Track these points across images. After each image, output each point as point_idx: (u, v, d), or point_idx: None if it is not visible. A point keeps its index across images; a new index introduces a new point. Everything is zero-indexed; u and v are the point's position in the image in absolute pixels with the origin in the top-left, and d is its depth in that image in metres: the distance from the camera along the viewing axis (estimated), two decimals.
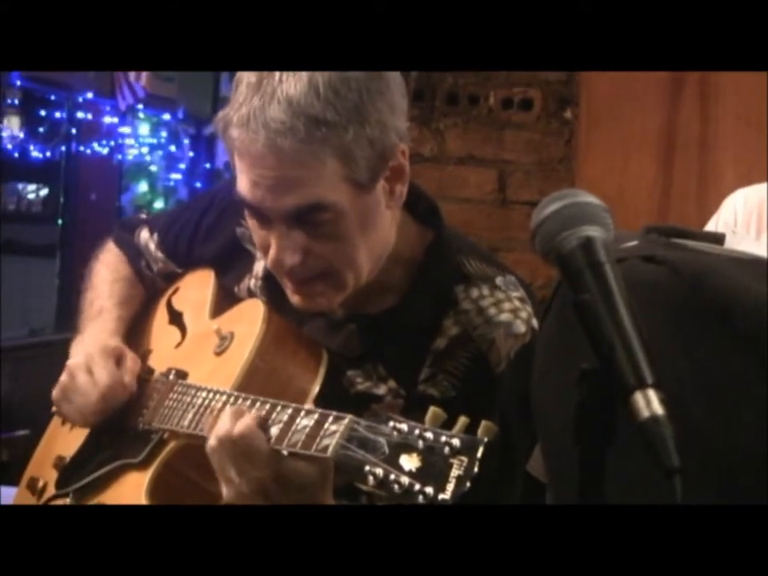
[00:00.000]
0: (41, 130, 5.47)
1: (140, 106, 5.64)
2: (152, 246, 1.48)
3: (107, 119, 5.47)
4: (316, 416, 1.05)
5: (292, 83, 1.12)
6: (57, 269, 5.57)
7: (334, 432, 1.01)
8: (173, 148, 6.32)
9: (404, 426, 0.97)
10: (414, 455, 0.95)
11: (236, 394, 1.16)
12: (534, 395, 1.00)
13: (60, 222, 5.63)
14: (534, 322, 1.22)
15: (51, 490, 1.40)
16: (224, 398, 1.17)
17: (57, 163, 5.58)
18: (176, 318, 1.42)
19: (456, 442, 0.95)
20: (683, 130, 2.46)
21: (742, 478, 0.84)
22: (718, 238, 0.98)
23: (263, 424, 1.09)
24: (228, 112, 1.15)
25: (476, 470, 0.94)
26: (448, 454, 0.94)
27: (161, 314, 1.46)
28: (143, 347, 1.44)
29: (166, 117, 6.08)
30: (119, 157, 5.85)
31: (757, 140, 2.36)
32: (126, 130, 5.76)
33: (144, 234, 1.49)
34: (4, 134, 5.17)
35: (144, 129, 6.20)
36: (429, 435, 0.96)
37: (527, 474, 1.12)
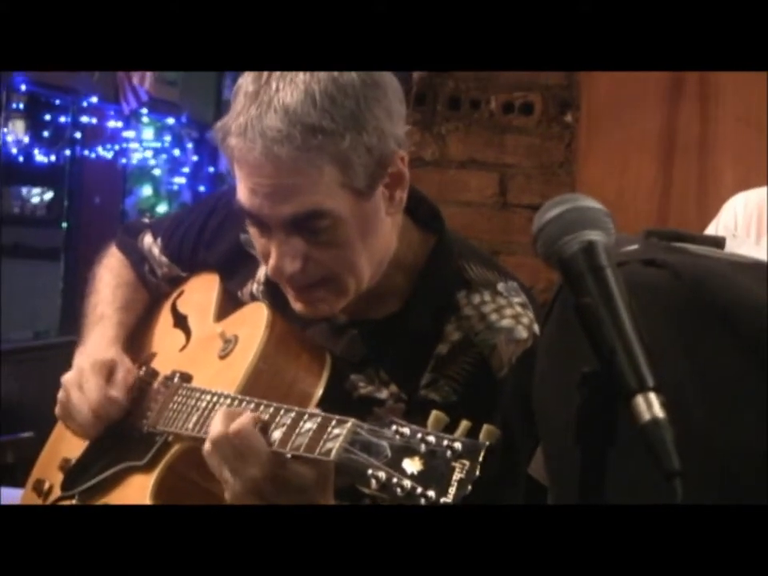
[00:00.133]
0: (45, 134, 5.48)
1: (144, 111, 5.65)
2: (156, 251, 1.48)
3: (111, 123, 5.48)
4: (319, 419, 1.06)
5: (288, 92, 1.13)
6: (61, 272, 5.58)
7: (337, 435, 1.02)
8: (176, 152, 6.33)
9: (406, 430, 0.98)
10: (417, 459, 0.96)
11: (240, 397, 1.17)
12: (536, 398, 1.00)
13: (64, 225, 5.64)
14: (536, 328, 1.22)
15: (57, 492, 1.40)
16: (228, 401, 1.18)
17: (61, 167, 5.59)
18: (180, 322, 1.43)
19: (458, 445, 0.95)
20: (683, 132, 2.46)
21: (743, 478, 0.84)
22: (719, 242, 0.99)
23: (257, 422, 1.10)
24: (226, 121, 1.16)
25: (478, 473, 0.94)
26: (450, 457, 0.95)
27: (165, 318, 1.46)
28: (148, 350, 1.45)
29: (170, 121, 6.09)
30: (123, 161, 5.85)
31: (756, 141, 2.36)
32: (130, 134, 5.77)
33: (147, 239, 1.49)
34: (9, 138, 5.18)
35: (148, 133, 6.21)
36: (431, 439, 0.96)
37: (528, 476, 1.13)
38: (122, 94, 5.18)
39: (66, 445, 1.43)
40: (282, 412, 1.10)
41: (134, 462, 1.27)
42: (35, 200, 6.41)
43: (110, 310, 1.45)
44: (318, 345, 1.26)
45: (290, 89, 1.13)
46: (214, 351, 1.30)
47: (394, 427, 0.98)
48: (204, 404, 1.22)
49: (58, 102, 5.42)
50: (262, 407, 1.12)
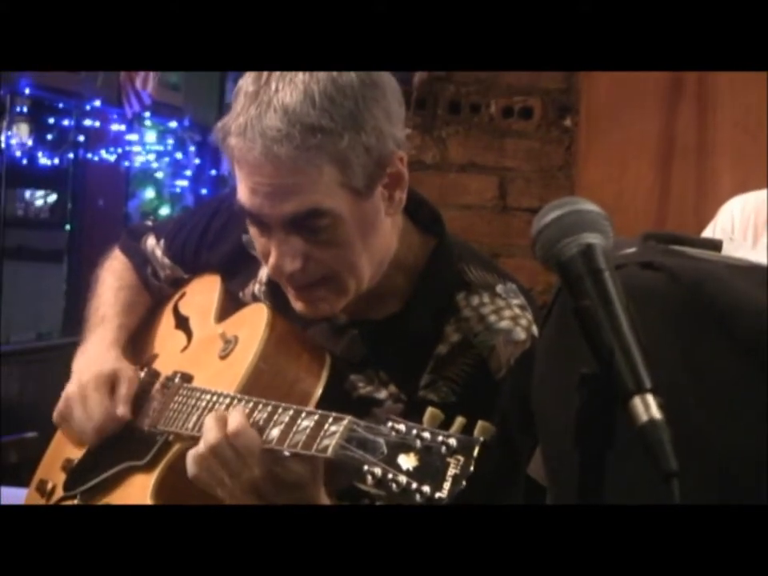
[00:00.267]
0: (49, 137, 5.50)
1: (147, 114, 5.67)
2: (159, 253, 1.49)
3: (114, 127, 5.50)
4: (316, 417, 1.06)
5: (288, 92, 1.13)
6: (64, 274, 5.60)
7: (334, 432, 1.02)
8: (179, 155, 6.34)
9: (402, 427, 0.98)
10: (412, 455, 0.96)
11: (239, 396, 1.17)
12: (535, 399, 1.00)
13: (68, 227, 5.66)
14: (534, 329, 1.22)
15: (60, 492, 1.41)
16: (228, 400, 1.18)
17: (65, 170, 5.60)
18: (182, 323, 1.44)
19: (453, 441, 0.96)
20: (681, 137, 2.47)
21: (741, 480, 0.85)
22: (716, 245, 0.99)
23: (251, 420, 1.10)
24: (227, 121, 1.17)
25: (472, 468, 0.95)
26: (445, 453, 0.95)
27: (168, 319, 1.47)
28: (150, 351, 1.46)
29: (173, 124, 6.11)
30: (126, 164, 5.87)
31: (754, 146, 2.37)
32: (132, 137, 5.79)
33: (150, 241, 1.50)
34: (13, 142, 5.19)
35: (151, 136, 6.23)
36: (426, 435, 0.97)
37: (527, 476, 1.14)
38: (125, 97, 5.20)
39: (69, 445, 1.44)
40: (279, 410, 1.11)
41: (135, 461, 1.28)
42: (39, 202, 6.42)
43: (111, 313, 1.46)
44: (318, 345, 1.27)
45: (290, 89, 1.13)
46: (214, 352, 1.30)
47: (389, 424, 0.99)
48: (204, 404, 1.22)
49: (61, 105, 5.44)
50: (260, 406, 1.13)
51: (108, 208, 5.79)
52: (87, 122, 5.37)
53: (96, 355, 1.40)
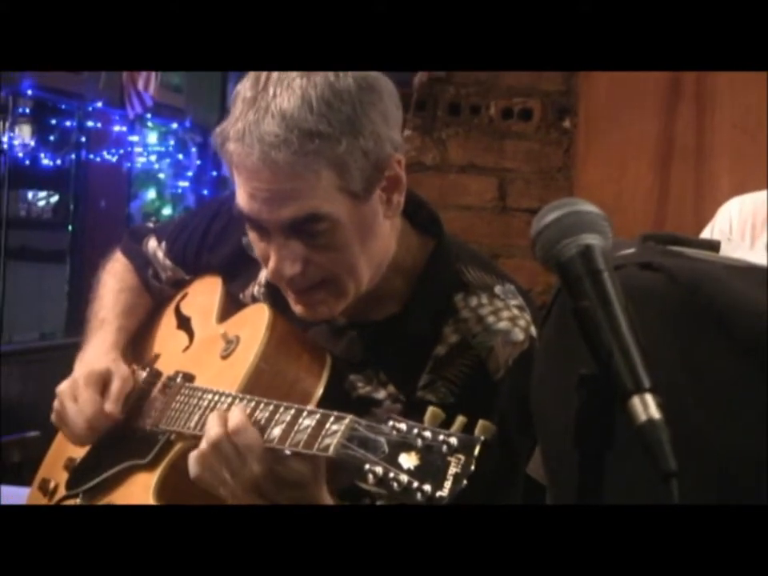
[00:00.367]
0: (51, 138, 5.51)
1: (148, 115, 5.68)
2: (160, 255, 1.50)
3: (116, 128, 5.51)
4: (318, 416, 1.06)
5: (285, 97, 1.13)
6: (67, 274, 5.61)
7: (336, 432, 1.02)
8: (180, 156, 6.36)
9: (403, 426, 0.99)
10: (413, 454, 0.96)
11: (241, 395, 1.18)
12: (534, 400, 1.00)
13: (70, 228, 5.67)
14: (533, 330, 1.23)
15: (62, 491, 1.42)
16: (229, 399, 1.19)
17: (67, 171, 5.62)
18: (184, 323, 1.44)
19: (454, 440, 0.96)
20: (680, 139, 2.47)
21: (740, 480, 0.84)
22: (714, 246, 0.99)
23: (253, 419, 1.11)
24: (225, 126, 1.17)
25: (473, 467, 0.95)
26: (446, 452, 0.96)
27: (169, 319, 1.48)
28: (152, 352, 1.47)
29: (174, 126, 6.13)
30: (128, 165, 5.89)
31: (753, 147, 2.37)
32: (134, 138, 5.80)
33: (152, 243, 1.51)
34: (15, 143, 5.21)
35: (152, 137, 6.24)
36: (427, 434, 0.97)
37: (527, 475, 1.13)
38: (126, 98, 5.22)
39: (71, 445, 1.44)
40: (281, 409, 1.11)
41: (137, 460, 1.29)
42: (41, 203, 6.43)
43: (112, 315, 1.46)
44: (318, 345, 1.27)
45: (287, 94, 1.14)
46: (216, 352, 1.31)
47: (391, 423, 0.99)
48: (206, 403, 1.23)
49: (63, 106, 5.45)
50: (262, 405, 1.14)
51: (110, 209, 5.80)
52: (89, 123, 5.38)
53: (94, 356, 1.41)
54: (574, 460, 0.81)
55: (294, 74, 1.15)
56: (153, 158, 6.23)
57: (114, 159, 5.65)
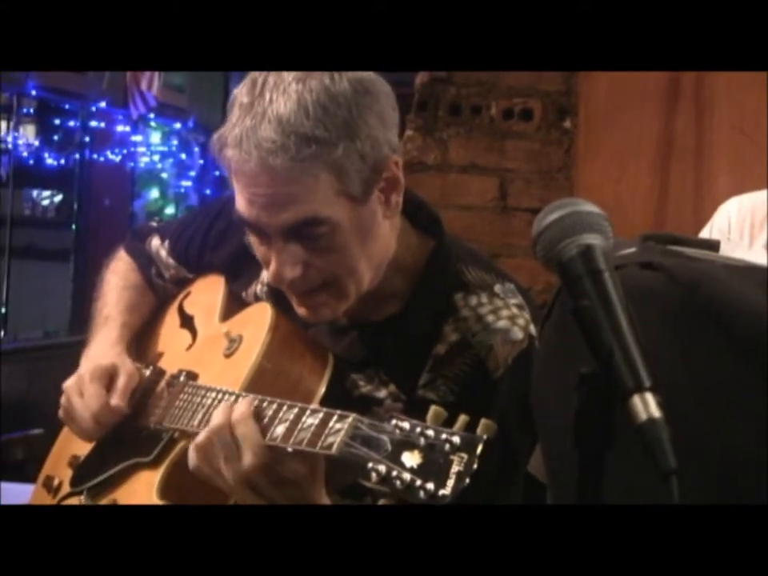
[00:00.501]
0: (55, 138, 5.53)
1: (152, 116, 5.69)
2: (163, 253, 1.51)
3: (120, 128, 5.53)
4: (321, 415, 1.07)
5: (282, 102, 1.14)
6: (71, 273, 5.63)
7: (339, 430, 1.03)
8: (183, 156, 6.37)
9: (406, 425, 0.99)
10: (416, 452, 0.96)
11: (244, 394, 1.18)
12: (535, 399, 1.00)
13: (74, 227, 5.69)
14: (532, 329, 1.23)
15: (66, 489, 1.42)
16: (232, 398, 1.19)
17: (71, 170, 5.63)
18: (187, 322, 1.45)
19: (456, 439, 0.96)
20: (679, 139, 2.47)
21: (739, 480, 0.84)
22: (713, 245, 0.99)
23: (255, 411, 1.12)
24: (223, 132, 1.18)
25: (475, 466, 0.95)
26: (448, 450, 0.96)
27: (173, 318, 1.48)
28: (155, 350, 1.48)
29: (177, 126, 6.14)
30: (131, 164, 5.90)
31: (751, 148, 2.37)
32: (138, 138, 5.81)
33: (155, 242, 1.52)
34: (20, 142, 5.23)
35: (155, 137, 6.26)
36: (430, 433, 0.97)
37: (527, 473, 1.13)
38: (130, 99, 5.23)
39: (76, 442, 1.45)
40: (284, 408, 1.12)
41: (140, 458, 1.29)
42: (45, 202, 6.44)
43: (116, 312, 1.47)
44: (320, 344, 1.28)
45: (283, 99, 1.14)
46: (219, 350, 1.32)
47: (393, 422, 0.99)
48: (209, 401, 1.23)
49: (67, 106, 5.47)
50: (265, 404, 1.14)
51: (114, 208, 5.82)
52: (93, 123, 5.40)
53: (99, 352, 1.42)
54: (574, 459, 0.82)
55: (289, 78, 1.16)
56: (156, 157, 6.24)
57: (118, 159, 5.67)
